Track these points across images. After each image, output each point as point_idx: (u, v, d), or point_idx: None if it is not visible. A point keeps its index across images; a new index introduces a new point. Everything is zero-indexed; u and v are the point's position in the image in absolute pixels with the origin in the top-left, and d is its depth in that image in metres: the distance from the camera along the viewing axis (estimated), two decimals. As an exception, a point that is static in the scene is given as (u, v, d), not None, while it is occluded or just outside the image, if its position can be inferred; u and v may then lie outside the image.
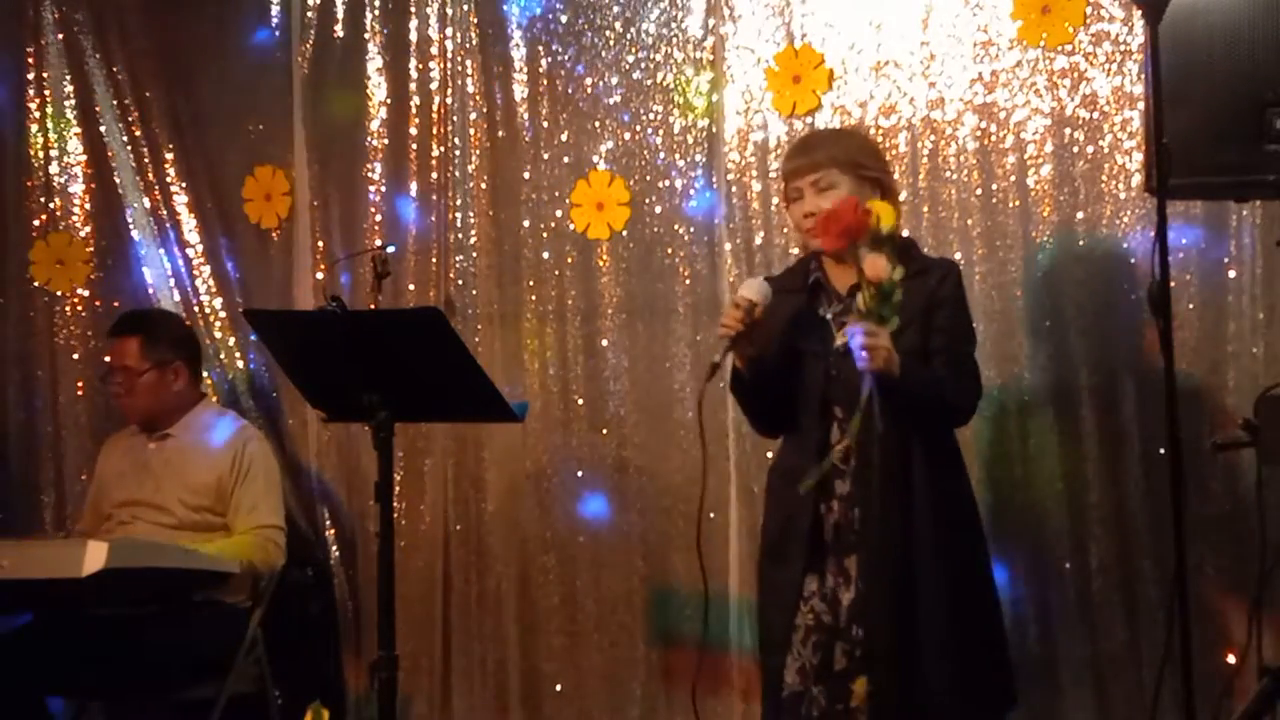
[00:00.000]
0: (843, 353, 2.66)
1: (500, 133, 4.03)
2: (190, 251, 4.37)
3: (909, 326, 2.64)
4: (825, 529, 2.72)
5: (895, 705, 2.57)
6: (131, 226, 4.41)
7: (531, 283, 3.99)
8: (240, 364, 4.32)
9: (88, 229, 4.50)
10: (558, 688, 3.94)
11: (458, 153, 4.07)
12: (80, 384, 4.44)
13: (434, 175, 4.09)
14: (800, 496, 2.66)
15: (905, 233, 2.93)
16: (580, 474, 3.93)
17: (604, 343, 3.91)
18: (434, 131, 4.09)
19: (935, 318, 2.70)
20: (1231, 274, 3.30)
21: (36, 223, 4.52)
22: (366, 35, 4.17)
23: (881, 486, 2.56)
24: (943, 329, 2.71)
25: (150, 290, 4.38)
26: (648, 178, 3.88)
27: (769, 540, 2.84)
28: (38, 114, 4.50)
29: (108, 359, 3.85)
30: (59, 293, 4.50)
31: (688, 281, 3.83)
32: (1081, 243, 3.45)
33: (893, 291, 2.53)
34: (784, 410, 2.80)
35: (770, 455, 3.11)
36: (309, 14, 4.23)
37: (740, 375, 2.77)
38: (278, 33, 4.29)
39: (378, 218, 4.16)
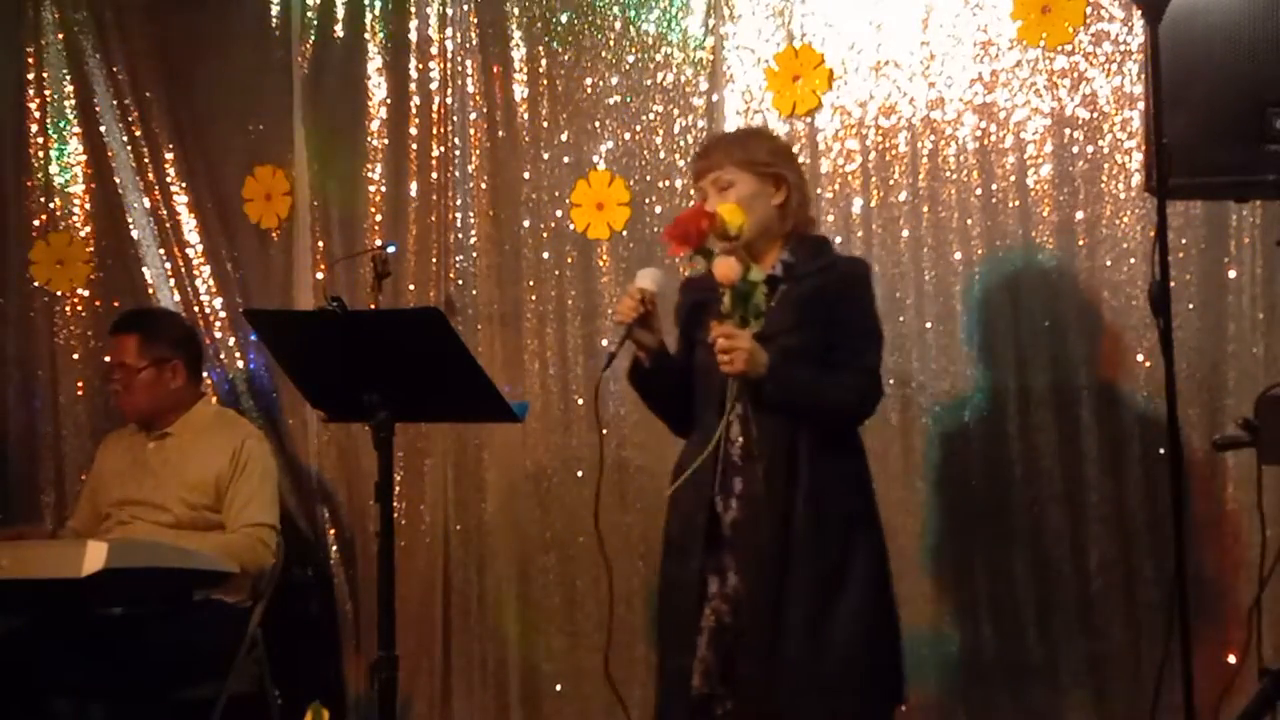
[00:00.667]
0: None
1: (500, 133, 4.03)
2: (190, 251, 4.37)
3: (809, 324, 2.65)
4: (723, 526, 2.69)
5: (763, 696, 2.58)
6: (131, 226, 4.42)
7: (531, 283, 3.99)
8: (240, 364, 4.32)
9: (88, 229, 4.50)
10: (558, 688, 3.94)
11: (458, 153, 4.07)
12: (80, 384, 4.44)
13: (434, 175, 4.09)
14: (696, 494, 2.68)
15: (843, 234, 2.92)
16: (580, 474, 3.93)
17: (604, 343, 3.91)
18: (434, 132, 4.09)
19: (838, 313, 2.70)
20: (1231, 274, 3.30)
21: (36, 223, 4.52)
22: (366, 35, 4.18)
23: (765, 478, 2.59)
24: (838, 325, 2.69)
25: (150, 290, 4.38)
26: (648, 178, 3.88)
27: (669, 538, 2.82)
28: (38, 114, 4.50)
29: (108, 358, 3.85)
30: (59, 293, 4.50)
31: (688, 282, 3.83)
32: (1081, 243, 3.45)
33: (749, 292, 2.55)
34: (690, 406, 2.80)
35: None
36: (309, 14, 4.24)
37: (640, 365, 2.77)
38: (278, 33, 4.30)
39: (378, 218, 4.16)
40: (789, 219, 2.79)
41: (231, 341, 4.33)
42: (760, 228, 2.74)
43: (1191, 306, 3.32)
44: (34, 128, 4.51)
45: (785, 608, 2.60)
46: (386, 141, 4.16)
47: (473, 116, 4.06)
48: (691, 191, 3.78)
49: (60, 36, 4.48)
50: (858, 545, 2.71)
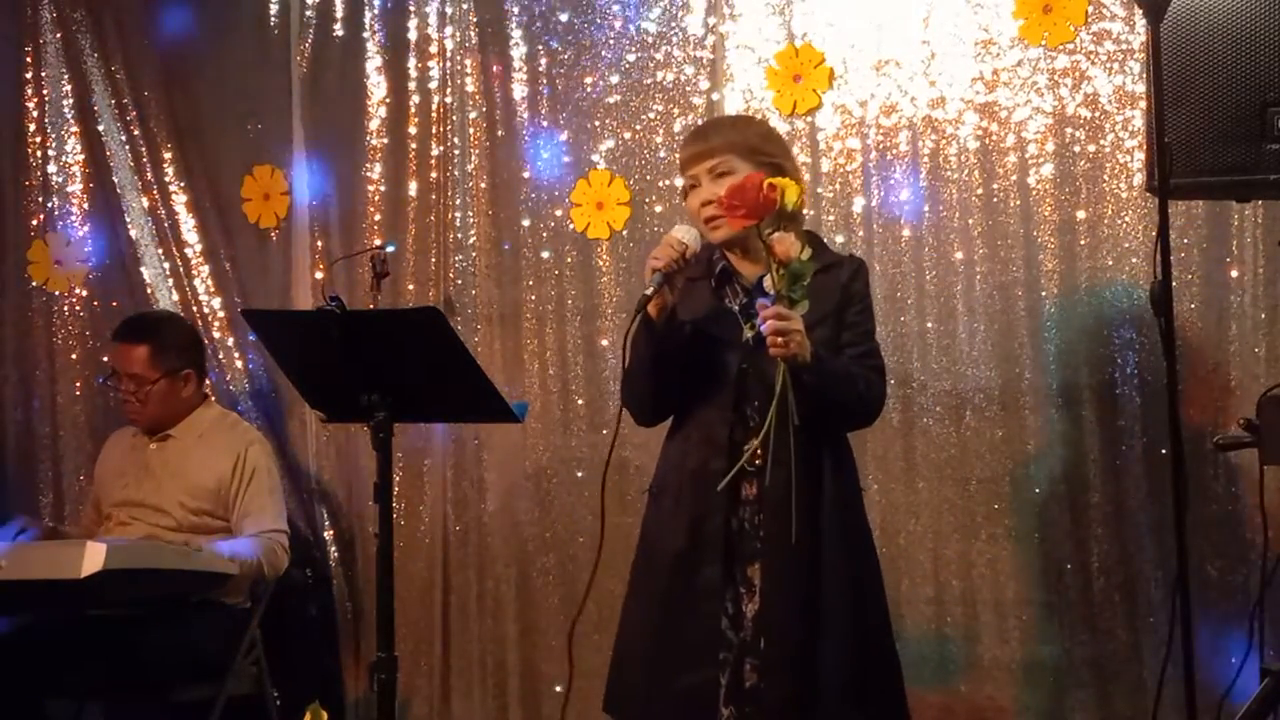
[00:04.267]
0: (753, 346, 2.56)
1: (500, 132, 4.03)
2: (189, 251, 4.36)
3: (823, 321, 2.55)
4: (729, 535, 2.57)
5: (788, 713, 2.49)
6: (130, 226, 4.41)
7: (531, 283, 3.99)
8: (239, 364, 4.31)
9: (86, 228, 4.49)
10: (557, 688, 3.93)
11: (457, 152, 4.06)
12: (79, 384, 4.44)
13: (433, 175, 4.09)
14: (709, 498, 2.54)
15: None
16: (580, 474, 3.93)
17: (604, 343, 3.90)
18: (433, 131, 4.09)
19: (847, 314, 2.61)
20: (1233, 274, 3.30)
21: (34, 222, 4.51)
22: (365, 34, 4.17)
23: (791, 484, 2.45)
24: (854, 324, 2.62)
25: (149, 290, 4.37)
26: (648, 178, 3.88)
27: (674, 545, 2.60)
28: (36, 113, 4.50)
29: (107, 359, 3.83)
30: (57, 292, 4.49)
31: (687, 281, 3.82)
32: (1083, 242, 3.44)
33: (802, 273, 2.42)
34: (673, 394, 2.64)
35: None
36: (308, 13, 4.23)
37: (652, 325, 2.55)
38: (276, 32, 4.29)
39: (377, 218, 4.16)
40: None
41: (230, 342, 4.32)
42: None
43: (1193, 306, 3.32)
44: (32, 127, 4.50)
45: (824, 625, 2.51)
46: (386, 141, 4.15)
47: (472, 115, 4.05)
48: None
49: (58, 35, 4.47)
50: (874, 556, 2.69)
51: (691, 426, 2.65)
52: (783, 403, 2.42)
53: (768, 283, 2.44)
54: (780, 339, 2.40)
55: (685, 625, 2.57)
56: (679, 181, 3.80)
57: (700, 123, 3.76)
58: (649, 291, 2.51)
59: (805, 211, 2.87)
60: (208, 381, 4.20)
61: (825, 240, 2.90)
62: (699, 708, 2.53)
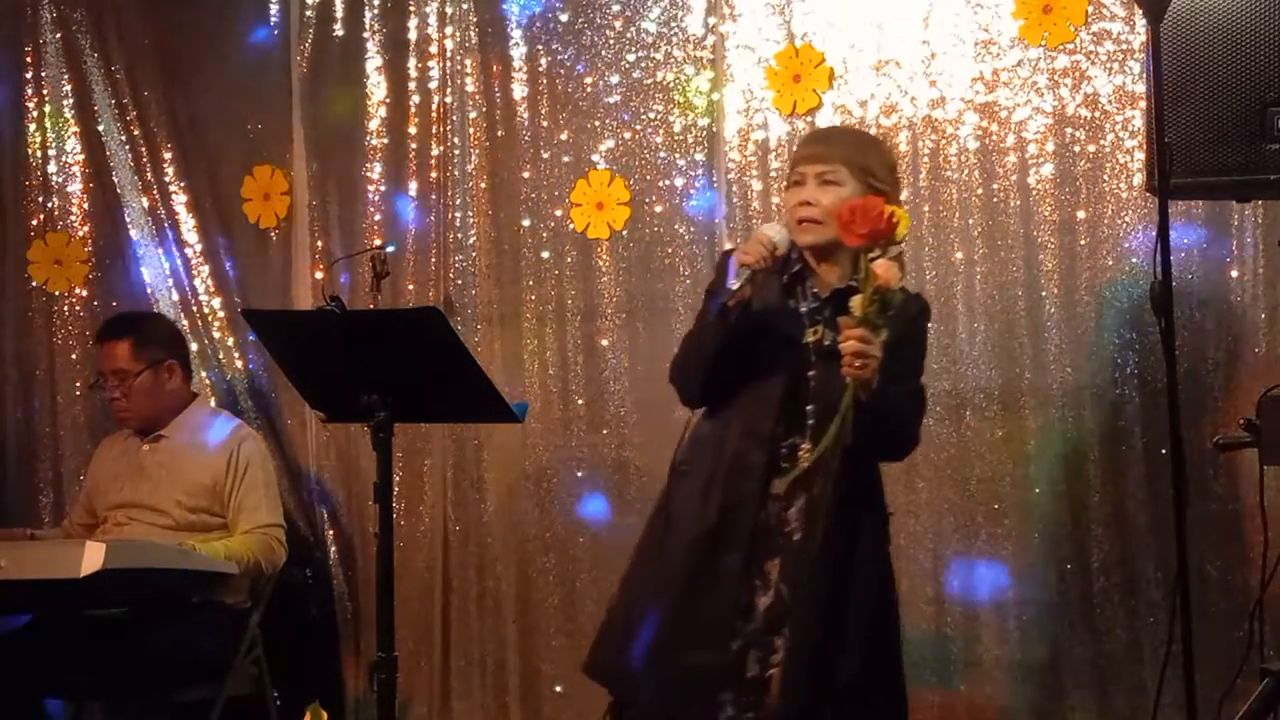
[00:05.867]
0: (818, 354, 2.58)
1: (500, 132, 4.02)
2: (189, 251, 4.36)
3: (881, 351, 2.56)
4: (755, 527, 2.58)
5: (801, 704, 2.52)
6: (130, 226, 4.40)
7: (531, 283, 3.99)
8: (239, 364, 4.31)
9: (86, 228, 4.49)
10: (557, 688, 3.93)
11: (457, 152, 4.06)
12: (79, 384, 4.43)
13: (433, 175, 4.09)
14: (744, 488, 2.57)
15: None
16: (580, 474, 3.93)
17: (604, 343, 3.90)
18: (433, 131, 4.08)
19: (902, 348, 2.59)
20: (1234, 274, 3.30)
21: (34, 222, 4.51)
22: (365, 34, 4.16)
23: (828, 491, 2.50)
24: (907, 360, 2.62)
25: (148, 290, 4.37)
26: (648, 177, 3.88)
27: (701, 527, 2.60)
28: (36, 113, 4.49)
29: (100, 368, 3.83)
30: (57, 292, 4.49)
31: (688, 281, 3.82)
32: (1083, 242, 3.44)
33: (893, 302, 2.44)
34: (725, 382, 2.63)
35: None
36: (308, 13, 4.23)
37: (727, 316, 2.54)
38: (276, 32, 4.28)
39: (377, 217, 4.15)
40: None
41: (230, 342, 4.32)
42: None
43: (1193, 306, 3.31)
44: (32, 126, 4.49)
45: (847, 626, 2.54)
46: (385, 141, 4.15)
47: (472, 115, 4.05)
48: (703, 191, 3.80)
49: (59, 35, 4.46)
50: (890, 566, 2.72)
51: (734, 414, 2.65)
52: (844, 420, 2.44)
53: (855, 303, 2.44)
54: (859, 361, 2.42)
55: (700, 606, 2.58)
56: (679, 181, 3.84)
57: (703, 126, 3.78)
58: (734, 285, 2.51)
59: None
60: (206, 381, 4.21)
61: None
62: (702, 689, 2.54)
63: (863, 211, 2.41)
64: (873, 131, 3.60)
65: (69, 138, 4.49)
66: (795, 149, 2.79)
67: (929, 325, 2.77)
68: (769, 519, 2.58)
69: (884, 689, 2.62)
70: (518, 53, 4.00)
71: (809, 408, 2.58)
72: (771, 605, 2.56)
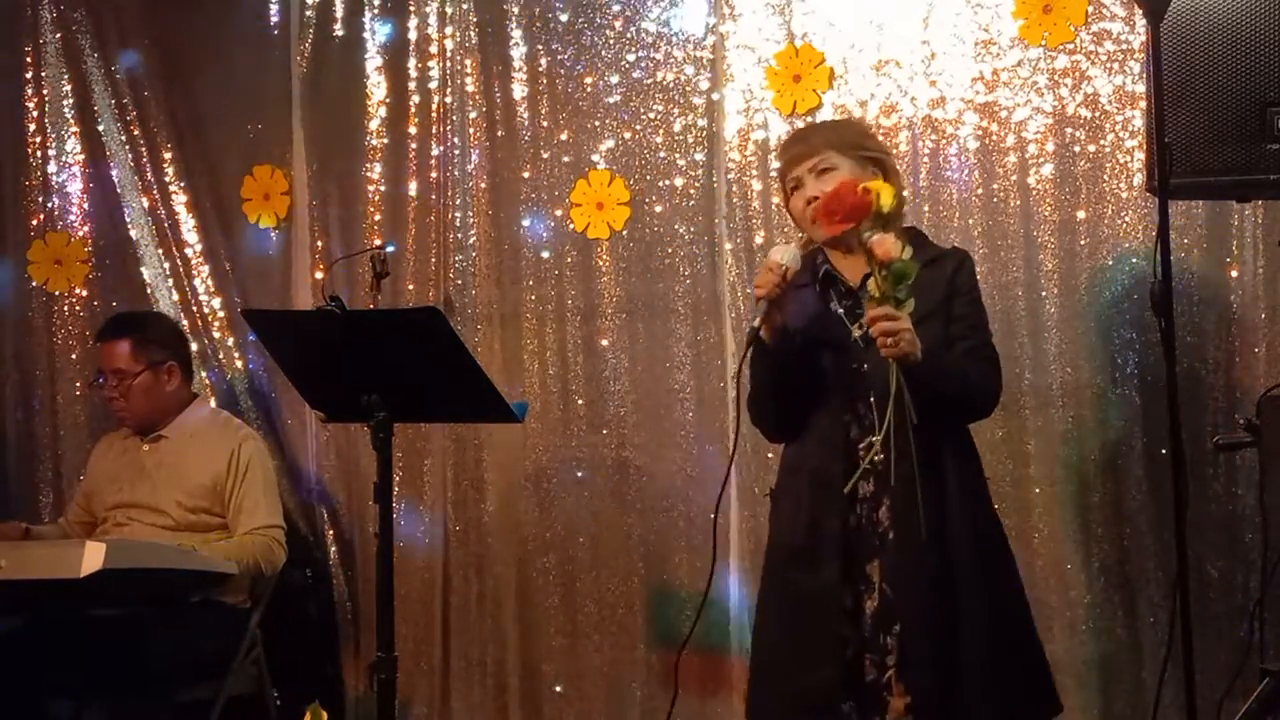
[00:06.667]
0: (862, 346, 2.57)
1: (500, 132, 4.02)
2: (189, 251, 4.36)
3: (930, 317, 2.54)
4: (847, 533, 2.58)
5: (937, 712, 2.48)
6: (130, 226, 4.40)
7: (531, 283, 3.99)
8: (239, 364, 4.31)
9: (86, 228, 4.49)
10: (558, 688, 3.93)
11: (457, 152, 4.06)
12: (79, 384, 4.44)
13: (433, 175, 4.09)
14: (828, 498, 2.56)
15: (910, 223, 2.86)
16: (580, 474, 3.93)
17: (604, 343, 3.90)
18: (433, 131, 4.08)
19: (954, 306, 2.60)
20: (1233, 274, 3.29)
21: (34, 222, 4.51)
22: (365, 34, 4.17)
23: (918, 481, 2.47)
24: (962, 317, 2.61)
25: (148, 290, 4.37)
26: (648, 177, 3.87)
27: (792, 545, 2.64)
28: (36, 113, 4.49)
29: (100, 367, 3.83)
30: (57, 292, 4.49)
31: (688, 281, 3.82)
32: (1083, 242, 3.44)
33: (905, 272, 2.42)
34: (803, 405, 2.66)
35: (771, 456, 3.08)
36: (308, 13, 4.23)
37: (765, 349, 2.59)
38: (276, 32, 4.29)
39: (377, 218, 4.15)
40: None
41: (230, 342, 4.32)
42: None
43: (1193, 306, 3.31)
44: (32, 126, 4.50)
45: (960, 613, 2.51)
46: (386, 141, 4.15)
47: (472, 115, 4.05)
48: (703, 191, 3.80)
49: (58, 35, 4.47)
50: (1005, 544, 2.67)
51: (809, 430, 2.66)
52: (899, 402, 2.42)
53: (871, 284, 2.45)
54: (890, 340, 2.41)
55: (805, 625, 2.59)
56: (679, 181, 3.84)
57: (703, 126, 3.78)
58: (756, 323, 2.53)
59: None
60: (206, 381, 4.21)
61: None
62: (820, 706, 2.54)
63: (835, 199, 2.44)
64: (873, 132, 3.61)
65: (69, 138, 4.49)
66: (779, 157, 2.79)
67: (976, 282, 2.68)
68: (860, 522, 2.58)
69: (1017, 656, 2.57)
70: (518, 53, 4.00)
71: (871, 400, 2.57)
72: (878, 607, 2.55)
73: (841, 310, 2.66)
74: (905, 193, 3.53)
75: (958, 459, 2.60)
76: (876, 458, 2.51)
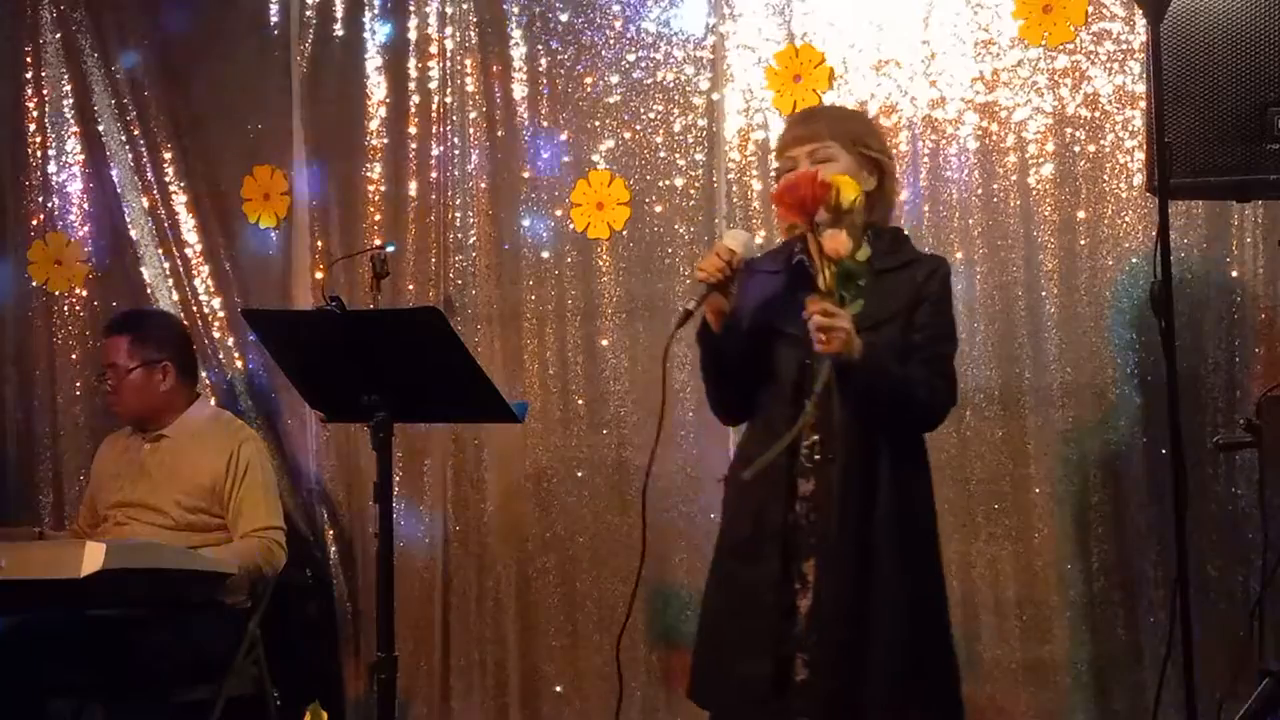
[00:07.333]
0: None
1: (500, 132, 4.02)
2: (189, 251, 4.36)
3: (889, 321, 2.49)
4: (787, 529, 2.53)
5: (835, 710, 2.46)
6: (130, 226, 4.40)
7: (531, 283, 3.99)
8: (239, 364, 4.31)
9: (86, 228, 4.49)
10: (558, 688, 3.93)
11: (457, 152, 4.06)
12: (78, 384, 4.44)
13: (433, 175, 4.09)
14: (771, 491, 2.52)
15: (903, 226, 2.83)
16: (580, 474, 3.93)
17: (604, 343, 3.90)
18: (433, 131, 4.08)
19: (918, 314, 2.54)
20: (1234, 274, 3.30)
21: (34, 222, 4.51)
22: (365, 34, 4.17)
23: (842, 482, 2.44)
24: (923, 326, 2.54)
25: (148, 290, 4.37)
26: (648, 177, 3.88)
27: (736, 537, 2.60)
28: (36, 113, 4.49)
29: (101, 360, 3.84)
30: (57, 292, 4.49)
31: (688, 281, 3.82)
32: (1083, 242, 3.44)
33: (853, 272, 2.37)
34: (747, 392, 2.62)
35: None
36: (308, 13, 4.23)
37: (710, 333, 2.55)
38: (276, 32, 4.29)
39: (377, 218, 4.15)
40: (876, 209, 2.59)
41: (230, 342, 4.32)
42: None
43: (1193, 306, 3.31)
44: (32, 126, 4.50)
45: (872, 622, 2.47)
46: (386, 141, 4.15)
47: (472, 116, 4.05)
48: (703, 191, 3.80)
49: (58, 35, 4.47)
50: (935, 556, 2.63)
51: (757, 418, 2.64)
52: (824, 399, 2.38)
53: (820, 278, 2.40)
54: (823, 335, 2.37)
55: (746, 613, 2.56)
56: (679, 181, 3.84)
57: (703, 126, 3.78)
58: (691, 306, 2.50)
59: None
60: (206, 381, 4.21)
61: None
62: (757, 699, 2.52)
63: (790, 187, 2.40)
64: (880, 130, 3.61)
65: (69, 138, 4.49)
66: (781, 135, 2.73)
67: (948, 293, 2.59)
68: (799, 520, 2.54)
69: (928, 685, 2.53)
70: (518, 53, 4.00)
71: (807, 399, 2.48)
72: (812, 607, 2.52)
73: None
74: (905, 194, 3.56)
75: (893, 465, 2.52)
76: (777, 448, 2.45)
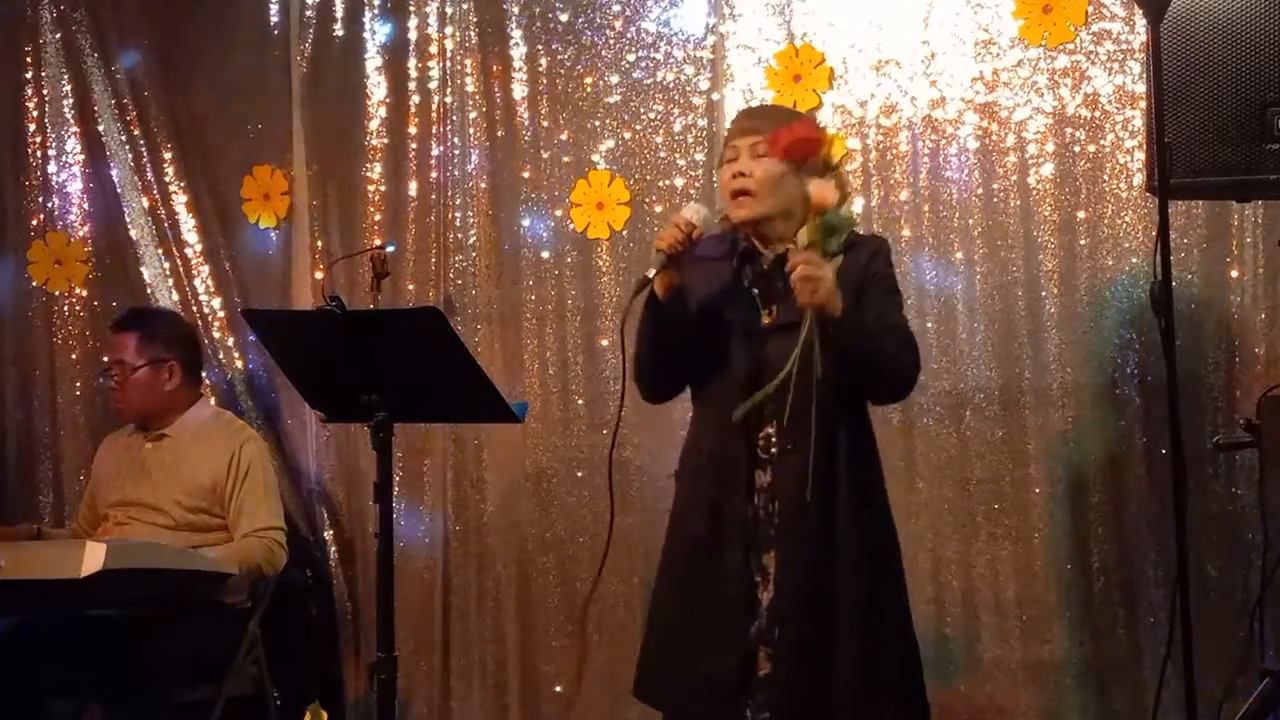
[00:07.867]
0: (771, 331, 2.54)
1: (500, 132, 4.02)
2: (189, 251, 4.36)
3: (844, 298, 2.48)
4: (746, 521, 2.55)
5: (800, 704, 2.46)
6: (130, 226, 4.40)
7: (531, 283, 3.99)
8: (239, 364, 4.31)
9: (86, 228, 4.49)
10: (557, 688, 3.93)
11: (457, 152, 4.06)
12: (78, 384, 4.44)
13: (433, 175, 4.09)
14: (728, 484, 2.52)
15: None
16: (580, 474, 3.93)
17: (604, 343, 3.90)
18: (433, 131, 4.09)
19: (867, 293, 2.55)
20: (1233, 274, 3.30)
21: (34, 222, 4.51)
22: (365, 34, 4.17)
23: (803, 472, 2.44)
24: (875, 303, 2.55)
25: (148, 290, 4.37)
26: (648, 177, 3.88)
27: (693, 531, 2.59)
28: (36, 113, 4.49)
29: (106, 356, 3.84)
30: (57, 292, 4.49)
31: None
32: (1083, 242, 3.44)
33: (838, 225, 2.40)
34: (680, 372, 2.64)
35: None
36: (308, 13, 4.23)
37: (657, 304, 2.56)
38: (276, 32, 4.29)
39: (377, 218, 4.15)
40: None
41: (230, 341, 4.32)
42: (782, 208, 2.57)
43: (1193, 306, 3.31)
44: (32, 126, 4.50)
45: (836, 613, 2.48)
46: (386, 141, 4.15)
47: (472, 116, 4.05)
48: (703, 190, 3.80)
49: (58, 35, 4.47)
50: (894, 547, 2.63)
51: (708, 409, 2.64)
52: (807, 354, 2.39)
53: (802, 232, 2.42)
54: (809, 285, 2.37)
55: (708, 611, 2.55)
56: (679, 181, 3.84)
57: (703, 126, 3.78)
58: (650, 273, 2.52)
59: None
60: (207, 381, 4.21)
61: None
62: (721, 695, 2.52)
63: (789, 130, 2.46)
64: (872, 132, 3.61)
65: (69, 138, 4.49)
66: (731, 124, 2.76)
67: (892, 271, 2.63)
68: (758, 512, 2.55)
69: (893, 676, 2.54)
70: (518, 53, 4.00)
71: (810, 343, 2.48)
72: (774, 600, 2.52)
73: (756, 291, 2.61)
74: (905, 194, 3.56)
75: (852, 456, 2.54)
76: (756, 398, 2.46)
